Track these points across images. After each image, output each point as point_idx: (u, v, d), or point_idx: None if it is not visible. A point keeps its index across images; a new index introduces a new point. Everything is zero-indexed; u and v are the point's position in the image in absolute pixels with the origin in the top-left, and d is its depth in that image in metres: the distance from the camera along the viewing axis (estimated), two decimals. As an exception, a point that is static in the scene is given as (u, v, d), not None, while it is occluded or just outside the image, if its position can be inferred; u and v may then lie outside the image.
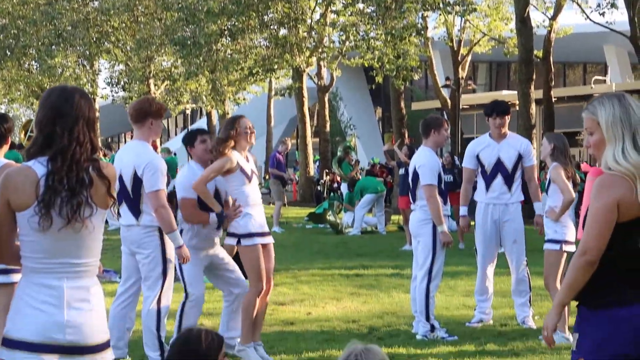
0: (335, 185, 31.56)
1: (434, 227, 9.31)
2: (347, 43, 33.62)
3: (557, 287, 8.67)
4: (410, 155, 16.19)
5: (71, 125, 4.21)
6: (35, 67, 43.35)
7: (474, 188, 10.31)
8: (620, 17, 27.79)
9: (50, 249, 4.17)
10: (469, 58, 36.32)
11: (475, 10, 29.91)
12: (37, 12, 38.96)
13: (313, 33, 34.46)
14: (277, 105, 50.69)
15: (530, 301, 9.98)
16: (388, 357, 3.84)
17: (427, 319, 9.34)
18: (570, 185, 8.81)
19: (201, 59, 35.65)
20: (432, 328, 9.31)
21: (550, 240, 9.04)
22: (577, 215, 10.78)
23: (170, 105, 41.90)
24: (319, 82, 37.26)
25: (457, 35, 35.15)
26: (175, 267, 8.05)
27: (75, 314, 4.19)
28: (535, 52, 26.65)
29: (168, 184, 8.54)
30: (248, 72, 35.45)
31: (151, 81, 40.56)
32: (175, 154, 26.46)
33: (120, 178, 7.65)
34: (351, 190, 23.76)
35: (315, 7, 34.67)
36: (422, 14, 32.09)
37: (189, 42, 34.63)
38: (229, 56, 36.29)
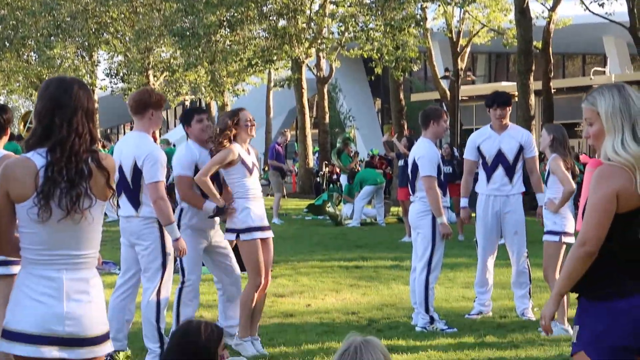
0: (335, 176, 31.54)
1: (434, 219, 9.30)
2: (346, 34, 33.62)
3: (557, 278, 8.67)
4: (409, 146, 16.18)
5: (70, 117, 4.20)
6: (34, 58, 43.32)
7: (475, 180, 10.30)
8: (619, 8, 27.78)
9: (49, 241, 4.17)
10: (468, 49, 36.30)
11: (474, 1, 29.88)
12: (35, 3, 38.90)
13: (312, 24, 34.43)
14: (276, 97, 50.67)
15: (530, 293, 9.97)
16: (387, 349, 3.84)
17: (427, 310, 9.33)
18: (569, 176, 8.81)
19: (200, 50, 35.63)
20: (432, 320, 9.31)
21: (550, 232, 9.03)
22: (576, 206, 10.77)
23: (169, 96, 41.89)
24: (318, 74, 37.24)
25: (456, 26, 35.12)
26: (175, 258, 8.04)
27: (75, 306, 4.19)
28: (534, 43, 26.62)
29: (168, 176, 8.52)
30: (247, 63, 35.44)
31: (150, 72, 40.53)
32: (174, 145, 26.45)
33: (120, 169, 7.64)
34: (350, 181, 23.75)
35: (314, -2, 34.69)
36: (421, 5, 32.06)
37: (188, 33, 34.61)
38: (228, 47, 36.26)
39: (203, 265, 8.79)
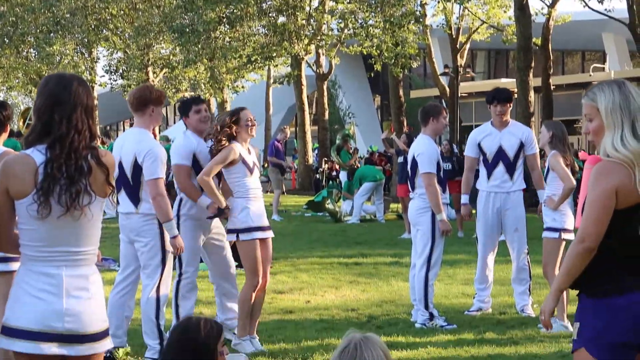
0: (334, 173, 31.56)
1: (433, 216, 9.30)
2: (346, 31, 33.60)
3: (556, 275, 8.67)
4: (408, 143, 16.17)
5: (69, 113, 4.20)
6: (33, 54, 43.28)
7: (476, 176, 10.30)
8: (619, 5, 27.78)
9: (49, 237, 4.17)
10: (468, 46, 36.27)
11: (473, -3, 29.89)
12: (35, -1, 38.95)
13: (312, 20, 34.41)
14: (276, 93, 50.62)
15: (530, 290, 9.97)
16: (387, 346, 3.83)
17: (426, 307, 9.34)
18: (569, 172, 8.80)
19: (199, 46, 35.59)
20: (431, 316, 9.32)
21: (549, 229, 9.03)
22: (575, 203, 10.78)
23: (169, 93, 41.85)
24: (318, 70, 37.22)
25: (456, 23, 35.07)
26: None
27: (74, 302, 4.19)
28: (533, 39, 26.59)
29: (168, 173, 8.51)
30: (246, 60, 35.41)
31: (150, 69, 40.50)
32: (174, 142, 26.42)
33: (120, 165, 7.64)
34: (350, 178, 23.76)
35: (313, -5, 34.66)
36: (421, 2, 32.04)
37: (187, 30, 34.59)
38: (228, 44, 36.22)
39: (201, 261, 8.80)
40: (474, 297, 10.23)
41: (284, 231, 18.61)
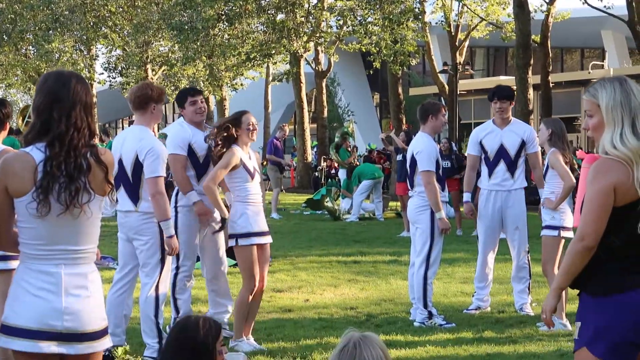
0: (333, 171, 31.56)
1: (432, 214, 9.29)
2: (345, 28, 33.60)
3: (555, 273, 8.66)
4: (407, 141, 16.17)
5: (68, 111, 4.20)
6: (32, 52, 43.31)
7: (478, 174, 10.30)
8: (618, 2, 27.76)
9: (48, 236, 4.17)
10: (467, 43, 36.25)
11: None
12: (33, -4, 38.94)
13: (310, 18, 34.41)
14: (275, 91, 50.59)
15: (529, 288, 9.97)
16: (385, 345, 3.83)
17: (425, 306, 9.33)
18: (569, 170, 8.79)
19: (198, 43, 35.61)
20: (430, 315, 9.31)
21: (548, 227, 9.02)
22: (574, 201, 10.76)
23: (168, 90, 41.84)
24: (317, 68, 37.22)
25: (455, 20, 35.06)
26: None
27: (73, 301, 4.19)
28: (532, 37, 26.60)
29: (168, 173, 8.50)
30: (245, 57, 35.40)
31: (148, 66, 40.50)
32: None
33: (120, 163, 7.64)
34: (349, 176, 23.75)
35: (312, -8, 34.66)
36: (420, -1, 32.04)
37: (186, 27, 34.60)
38: (226, 41, 36.23)
39: (198, 260, 8.80)
40: (472, 296, 10.22)
41: (283, 229, 18.61)
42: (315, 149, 38.79)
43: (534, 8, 27.77)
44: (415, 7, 31.36)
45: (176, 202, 8.38)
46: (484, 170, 10.08)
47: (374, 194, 22.50)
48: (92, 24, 39.77)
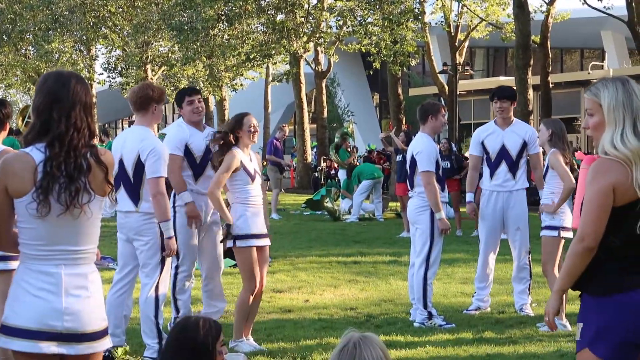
0: (333, 172, 31.56)
1: (432, 214, 9.29)
2: (345, 28, 33.60)
3: (555, 273, 8.67)
4: (407, 141, 16.16)
5: (68, 111, 4.20)
6: (32, 52, 43.31)
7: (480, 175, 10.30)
8: (617, 2, 27.76)
9: (48, 236, 4.17)
10: (467, 43, 36.26)
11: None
12: (33, -4, 38.94)
13: (310, 18, 34.41)
14: (275, 91, 50.56)
15: (529, 289, 9.96)
16: (385, 345, 3.83)
17: (425, 306, 9.32)
18: (569, 172, 8.78)
19: (198, 44, 35.61)
20: (430, 315, 9.30)
21: (548, 227, 9.02)
22: (574, 202, 10.74)
23: (168, 91, 41.84)
24: (317, 68, 37.22)
25: (455, 21, 35.05)
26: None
27: (73, 301, 4.18)
28: (532, 37, 26.60)
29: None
30: (245, 58, 35.40)
31: (148, 66, 40.48)
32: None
33: (121, 163, 7.64)
34: (349, 177, 23.75)
35: (312, -8, 34.67)
36: (419, -1, 32.04)
37: (186, 27, 34.60)
38: (226, 41, 36.23)
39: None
40: (472, 296, 10.22)
41: (283, 230, 18.60)
42: (315, 150, 38.78)
43: (534, 8, 27.78)
44: (415, 8, 31.37)
45: (174, 202, 8.38)
46: (486, 170, 10.07)
47: (373, 194, 22.49)
48: (91, 24, 39.77)
